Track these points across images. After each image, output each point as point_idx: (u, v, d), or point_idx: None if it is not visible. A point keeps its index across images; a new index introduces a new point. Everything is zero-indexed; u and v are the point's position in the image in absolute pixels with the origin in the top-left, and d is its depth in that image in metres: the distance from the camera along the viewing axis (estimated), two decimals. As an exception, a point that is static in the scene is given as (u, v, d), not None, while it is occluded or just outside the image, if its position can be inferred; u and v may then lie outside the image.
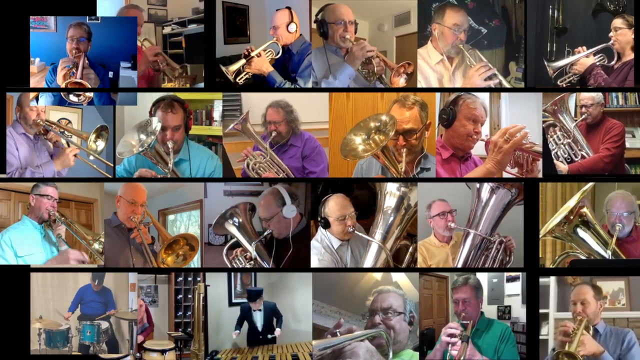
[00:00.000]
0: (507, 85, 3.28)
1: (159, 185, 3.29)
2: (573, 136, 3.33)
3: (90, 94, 3.27)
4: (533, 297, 3.25)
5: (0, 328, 3.30)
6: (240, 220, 3.22)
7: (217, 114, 3.32)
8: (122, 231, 3.29)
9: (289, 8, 3.30)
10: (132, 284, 3.31)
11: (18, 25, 3.27)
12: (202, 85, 3.28)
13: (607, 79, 3.29)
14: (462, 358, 2.99)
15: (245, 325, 3.30)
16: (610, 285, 3.25)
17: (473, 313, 3.15)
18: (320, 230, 3.22)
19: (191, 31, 3.31)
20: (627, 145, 3.32)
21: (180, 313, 3.37)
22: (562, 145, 3.33)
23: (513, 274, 3.25)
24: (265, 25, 3.33)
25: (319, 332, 3.19)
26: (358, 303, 3.16)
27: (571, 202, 3.23)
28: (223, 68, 3.26)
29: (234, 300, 3.31)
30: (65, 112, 3.29)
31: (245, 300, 3.29)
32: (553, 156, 3.32)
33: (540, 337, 3.25)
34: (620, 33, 3.29)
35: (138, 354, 3.26)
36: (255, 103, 3.30)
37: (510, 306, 3.26)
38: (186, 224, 3.35)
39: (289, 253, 3.19)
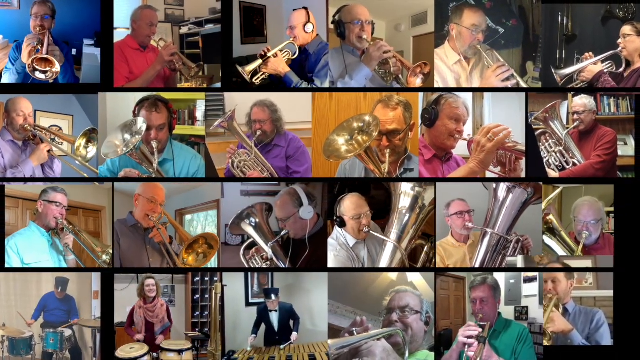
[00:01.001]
0: (524, 85, 3.27)
1: (175, 185, 3.29)
2: (565, 144, 3.32)
3: (57, 69, 3.22)
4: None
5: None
6: (257, 220, 3.22)
7: (199, 114, 3.34)
8: (138, 231, 3.28)
9: (305, 8, 3.30)
10: (96, 291, 3.29)
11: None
12: (219, 85, 3.28)
13: (616, 86, 3.29)
14: (478, 359, 2.98)
15: (263, 327, 3.31)
16: (577, 265, 3.27)
17: (490, 313, 3.14)
18: (336, 228, 3.22)
19: (208, 31, 3.32)
20: (619, 152, 3.32)
21: (198, 313, 3.39)
22: (553, 153, 3.33)
23: (530, 274, 3.24)
24: (282, 26, 3.34)
25: (334, 332, 3.19)
26: (373, 303, 3.16)
27: (537, 210, 3.23)
28: (239, 68, 3.26)
29: (250, 300, 3.32)
30: (56, 118, 3.29)
31: (262, 300, 3.30)
32: (545, 164, 3.32)
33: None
34: (629, 40, 3.28)
35: (155, 354, 3.27)
36: (239, 103, 3.31)
37: (527, 307, 3.26)
38: (203, 224, 3.36)
39: (305, 254, 3.18)
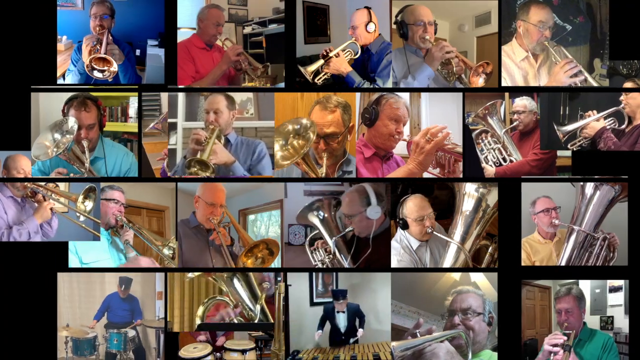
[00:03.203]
0: (594, 83, 3.25)
1: (238, 185, 3.30)
2: (503, 141, 3.30)
3: (115, 69, 3.25)
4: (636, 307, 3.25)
5: (27, 336, 3.30)
6: (325, 213, 3.23)
7: (132, 111, 3.31)
8: (200, 232, 3.30)
9: (367, 8, 3.29)
10: (159, 292, 3.30)
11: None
12: (282, 85, 3.28)
13: (617, 142, 3.25)
14: None
15: (328, 325, 3.30)
16: (239, 96, 3.27)
17: (576, 323, 3.14)
18: (400, 230, 3.21)
19: (271, 31, 3.32)
20: (558, 152, 3.29)
21: (261, 313, 3.38)
22: (492, 150, 3.31)
23: (616, 284, 3.23)
24: (345, 25, 3.32)
25: (397, 332, 3.19)
26: (436, 303, 3.17)
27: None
28: (301, 68, 3.27)
29: (315, 300, 3.31)
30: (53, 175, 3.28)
31: (329, 299, 3.29)
32: (482, 160, 3.30)
33: (169, 147, 3.27)
34: (631, 96, 3.25)
35: (218, 354, 3.27)
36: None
37: (612, 316, 3.24)
38: (266, 224, 3.36)
39: (367, 253, 3.18)
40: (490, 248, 3.23)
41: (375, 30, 3.30)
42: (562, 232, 3.24)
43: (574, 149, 3.28)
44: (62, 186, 3.26)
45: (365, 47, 3.33)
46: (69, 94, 3.24)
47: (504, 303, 3.24)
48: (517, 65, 3.29)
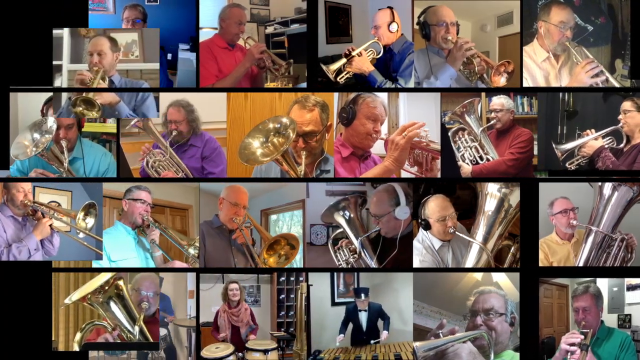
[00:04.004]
0: (615, 83, 3.26)
1: (260, 185, 3.30)
2: (480, 140, 3.30)
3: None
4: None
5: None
6: (351, 213, 3.23)
7: None
8: (223, 232, 3.30)
9: (390, 8, 3.28)
10: (191, 290, 3.30)
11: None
12: (304, 85, 3.28)
13: (616, 161, 3.25)
14: None
15: (350, 326, 3.30)
16: (124, 37, 3.27)
17: (593, 322, 3.13)
18: (422, 231, 3.21)
19: (294, 31, 3.32)
20: (534, 152, 3.30)
21: (283, 313, 3.38)
22: (469, 148, 3.31)
23: (633, 282, 3.23)
24: (367, 25, 3.32)
25: (419, 332, 3.19)
26: (458, 303, 3.16)
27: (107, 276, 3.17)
28: (324, 67, 3.26)
29: (336, 300, 3.31)
30: (54, 194, 3.28)
31: (350, 299, 3.29)
32: (459, 158, 3.30)
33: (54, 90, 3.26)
34: (629, 116, 3.25)
35: (240, 354, 3.27)
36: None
37: (630, 315, 3.23)
38: (288, 224, 3.35)
39: (393, 253, 3.18)
40: (512, 248, 3.23)
41: (397, 30, 3.30)
42: (580, 232, 3.24)
43: (572, 168, 3.29)
44: (64, 203, 3.27)
45: (387, 47, 3.33)
46: (49, 95, 3.27)
47: (522, 303, 3.24)
48: (539, 66, 3.30)
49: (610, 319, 3.21)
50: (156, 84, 3.26)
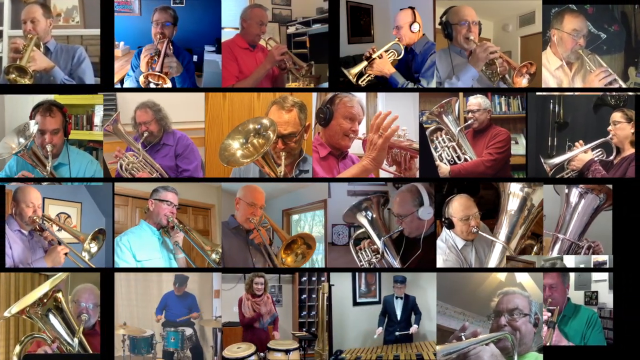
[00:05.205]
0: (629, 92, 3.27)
1: (282, 186, 3.28)
2: (457, 140, 3.30)
3: (169, 85, 3.25)
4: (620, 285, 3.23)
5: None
6: (373, 213, 3.22)
7: (97, 119, 3.31)
8: (240, 232, 3.27)
9: (412, 8, 3.30)
10: (217, 290, 3.28)
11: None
12: (326, 85, 3.27)
13: (606, 174, 3.25)
14: (548, 344, 3.01)
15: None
16: (65, 3, 3.30)
17: (560, 299, 3.15)
18: (445, 230, 3.21)
19: (315, 31, 3.32)
20: (512, 151, 3.29)
21: (305, 313, 3.36)
22: (446, 148, 3.31)
23: (600, 258, 3.22)
24: (389, 25, 3.33)
25: (442, 333, 3.17)
26: (482, 304, 3.15)
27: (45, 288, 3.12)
28: (345, 71, 3.27)
29: (358, 300, 3.29)
30: (64, 206, 3.28)
31: (372, 299, 3.30)
32: (437, 158, 3.29)
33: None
34: (619, 127, 3.24)
35: (262, 354, 3.24)
36: (129, 103, 3.31)
37: (597, 292, 3.23)
38: (310, 223, 3.34)
39: (416, 254, 3.17)
40: (535, 247, 3.23)
41: (419, 30, 3.31)
42: (547, 240, 3.21)
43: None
44: (74, 215, 3.27)
45: (409, 47, 3.34)
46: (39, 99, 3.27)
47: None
48: (552, 73, 3.31)
49: (577, 296, 3.22)
50: (96, 49, 3.26)
